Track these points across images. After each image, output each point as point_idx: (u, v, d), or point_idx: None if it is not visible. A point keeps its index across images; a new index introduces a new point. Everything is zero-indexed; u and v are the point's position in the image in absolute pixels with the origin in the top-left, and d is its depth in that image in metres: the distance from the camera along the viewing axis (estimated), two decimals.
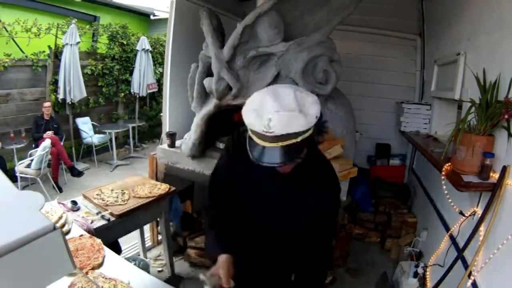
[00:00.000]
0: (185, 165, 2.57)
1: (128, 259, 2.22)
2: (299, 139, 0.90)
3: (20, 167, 3.83)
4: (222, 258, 1.10)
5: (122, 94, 6.14)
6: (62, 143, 4.58)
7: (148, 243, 2.96)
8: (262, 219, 1.17)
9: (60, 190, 4.19)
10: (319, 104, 0.96)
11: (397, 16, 3.56)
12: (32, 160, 3.84)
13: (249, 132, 0.97)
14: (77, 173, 4.45)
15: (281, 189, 1.11)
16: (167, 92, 2.89)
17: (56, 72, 4.93)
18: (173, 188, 2.31)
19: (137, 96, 6.04)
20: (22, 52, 4.75)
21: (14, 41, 4.67)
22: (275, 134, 0.88)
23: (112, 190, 2.14)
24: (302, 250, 1.15)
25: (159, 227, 2.85)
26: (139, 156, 5.88)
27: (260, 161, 0.92)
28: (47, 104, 4.43)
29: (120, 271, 1.36)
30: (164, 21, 6.45)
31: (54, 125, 4.50)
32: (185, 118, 2.81)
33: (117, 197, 2.06)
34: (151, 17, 7.63)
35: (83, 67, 5.12)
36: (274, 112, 0.87)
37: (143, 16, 7.48)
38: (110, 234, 1.88)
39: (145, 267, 2.23)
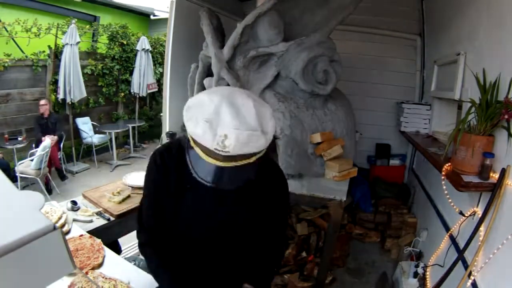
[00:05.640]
0: None
1: (128, 259, 2.21)
2: (253, 159, 0.79)
3: (20, 167, 3.83)
4: None
5: (122, 94, 6.14)
6: (62, 143, 4.58)
7: None
8: (207, 240, 0.99)
9: (50, 192, 4.17)
10: (273, 117, 0.83)
11: (397, 16, 3.56)
12: (32, 160, 3.84)
13: (193, 145, 0.81)
14: (62, 176, 4.48)
15: (231, 208, 0.96)
16: (167, 92, 2.89)
17: (56, 72, 4.93)
18: None
19: (137, 96, 6.04)
20: (22, 52, 4.76)
21: (14, 41, 4.67)
22: (229, 154, 0.75)
23: (119, 192, 2.13)
24: (253, 257, 1.04)
25: None
26: (139, 156, 5.88)
27: (213, 182, 0.80)
28: (43, 101, 4.41)
29: (120, 271, 1.36)
30: (164, 21, 6.45)
31: (52, 122, 4.47)
32: None
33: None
34: (151, 17, 7.63)
35: (83, 67, 5.12)
36: (234, 129, 0.73)
37: (143, 16, 7.48)
38: (110, 234, 1.88)
39: (145, 267, 2.23)
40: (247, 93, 0.84)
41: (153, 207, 1.00)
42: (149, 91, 6.03)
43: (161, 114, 3.01)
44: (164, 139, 2.87)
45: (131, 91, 6.01)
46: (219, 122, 0.74)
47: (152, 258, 1.04)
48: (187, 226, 0.98)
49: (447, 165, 1.71)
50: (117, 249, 2.27)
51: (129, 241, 2.83)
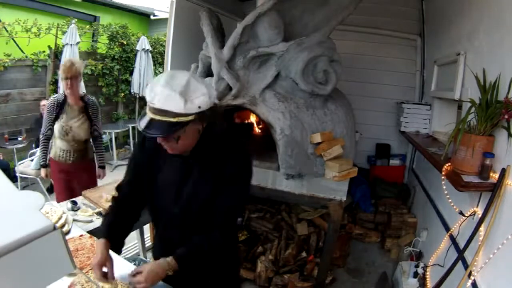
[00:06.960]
0: None
1: (128, 259, 2.21)
2: (175, 119, 0.98)
3: (20, 167, 3.83)
4: (99, 244, 1.16)
5: (122, 94, 6.13)
6: None
7: (148, 243, 2.95)
8: (173, 209, 1.18)
9: (50, 192, 4.15)
10: (210, 98, 1.03)
11: (397, 16, 3.56)
12: (32, 160, 3.84)
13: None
14: None
15: (197, 180, 1.15)
16: None
17: (56, 72, 4.93)
18: None
19: (137, 96, 6.04)
20: (22, 52, 4.75)
21: (14, 41, 4.67)
22: (155, 107, 0.98)
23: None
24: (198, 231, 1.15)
25: None
26: None
27: (140, 127, 1.03)
28: (44, 102, 4.41)
29: (120, 271, 1.36)
30: (164, 21, 6.45)
31: None
32: None
33: None
34: (151, 17, 7.62)
35: None
36: (160, 87, 0.97)
37: (143, 16, 7.47)
38: None
39: None
40: (192, 73, 1.14)
41: (130, 174, 1.27)
42: None
43: None
44: None
45: (131, 91, 6.00)
46: (156, 83, 0.99)
47: (109, 209, 1.29)
48: (161, 193, 1.20)
49: (447, 165, 1.71)
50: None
51: (129, 241, 2.84)
